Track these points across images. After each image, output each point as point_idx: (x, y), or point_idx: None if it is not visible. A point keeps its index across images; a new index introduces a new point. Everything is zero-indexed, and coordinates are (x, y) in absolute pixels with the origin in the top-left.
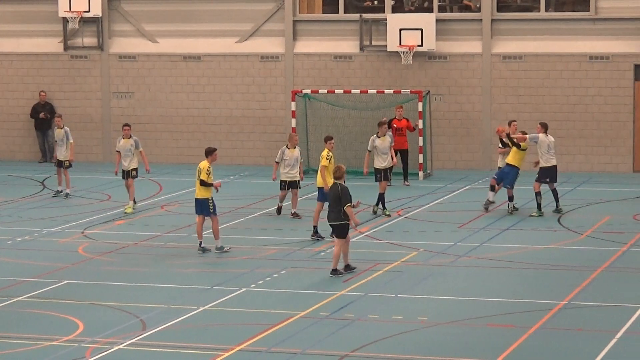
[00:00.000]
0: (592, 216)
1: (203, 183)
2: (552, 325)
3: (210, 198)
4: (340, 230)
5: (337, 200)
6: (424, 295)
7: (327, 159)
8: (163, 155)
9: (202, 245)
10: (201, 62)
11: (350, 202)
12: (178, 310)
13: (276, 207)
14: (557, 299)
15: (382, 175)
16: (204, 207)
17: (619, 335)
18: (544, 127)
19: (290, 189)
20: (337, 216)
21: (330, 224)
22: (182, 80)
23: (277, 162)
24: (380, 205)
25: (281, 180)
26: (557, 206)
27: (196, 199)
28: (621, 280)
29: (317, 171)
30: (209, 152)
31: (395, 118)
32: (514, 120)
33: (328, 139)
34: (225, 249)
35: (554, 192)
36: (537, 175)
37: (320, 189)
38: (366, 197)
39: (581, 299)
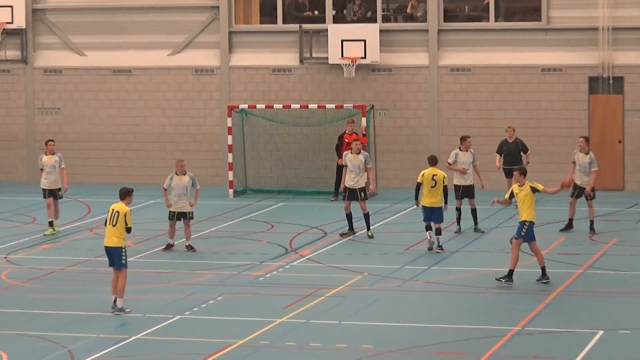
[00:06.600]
0: (546, 237)
1: (129, 230)
2: (505, 352)
3: (123, 247)
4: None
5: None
6: (369, 322)
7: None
8: (92, 175)
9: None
10: (132, 76)
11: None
12: (108, 339)
13: (166, 245)
14: (509, 324)
15: (348, 194)
16: (115, 257)
17: None
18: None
19: (181, 220)
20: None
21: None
22: (111, 95)
23: (165, 189)
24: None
25: (170, 211)
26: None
27: (107, 247)
28: (577, 305)
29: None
30: (128, 194)
31: (345, 132)
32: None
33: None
34: (126, 310)
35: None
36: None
37: (531, 224)
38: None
39: (535, 324)
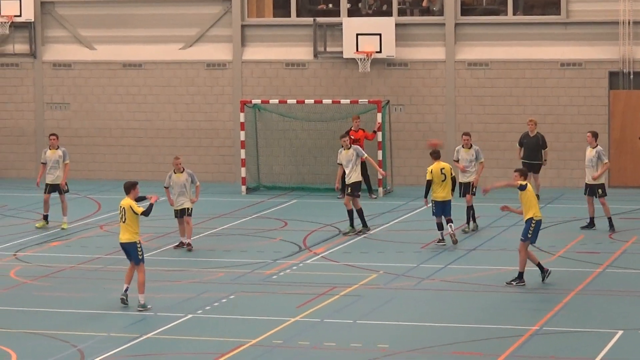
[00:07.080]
0: (564, 235)
1: (146, 213)
2: (523, 352)
3: (138, 242)
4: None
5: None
6: (385, 321)
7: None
8: (101, 171)
9: (127, 291)
10: (142, 70)
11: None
12: (119, 338)
13: (178, 242)
14: (527, 324)
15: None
16: (130, 253)
17: None
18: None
19: (182, 217)
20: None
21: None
22: (121, 90)
23: (166, 188)
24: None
25: (174, 210)
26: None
27: (122, 244)
28: (596, 304)
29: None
30: (132, 187)
31: (351, 129)
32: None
33: None
34: (148, 307)
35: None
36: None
37: (537, 223)
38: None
39: (554, 324)
